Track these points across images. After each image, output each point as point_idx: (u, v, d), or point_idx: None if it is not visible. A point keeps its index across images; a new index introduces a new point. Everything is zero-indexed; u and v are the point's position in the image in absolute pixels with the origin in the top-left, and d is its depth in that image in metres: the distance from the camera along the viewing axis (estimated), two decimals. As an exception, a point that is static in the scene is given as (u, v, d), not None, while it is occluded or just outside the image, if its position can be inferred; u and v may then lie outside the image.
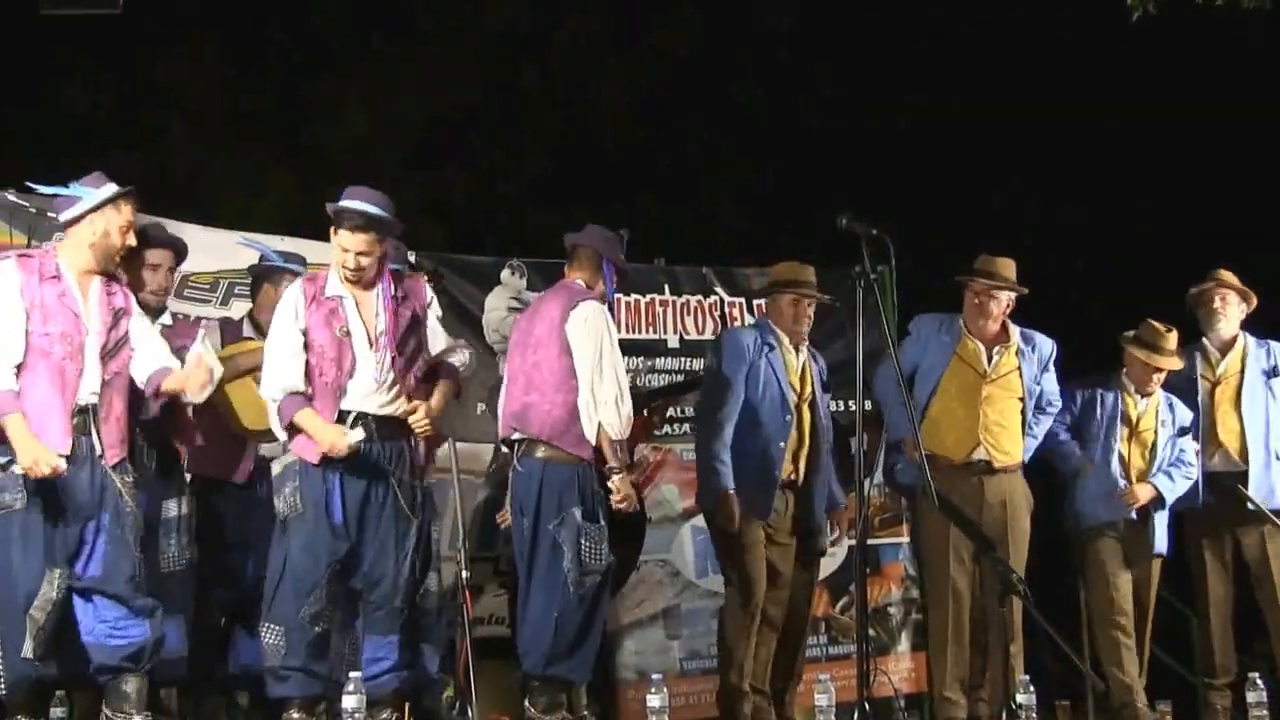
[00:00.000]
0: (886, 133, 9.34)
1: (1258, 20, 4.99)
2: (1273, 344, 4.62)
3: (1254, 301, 4.59)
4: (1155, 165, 8.56)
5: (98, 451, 3.31)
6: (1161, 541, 4.44)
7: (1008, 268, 4.27)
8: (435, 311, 3.63)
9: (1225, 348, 4.57)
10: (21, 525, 3.24)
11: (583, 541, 3.58)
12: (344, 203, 3.45)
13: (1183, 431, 4.50)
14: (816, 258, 4.45)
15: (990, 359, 4.20)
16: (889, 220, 3.60)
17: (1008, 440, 4.17)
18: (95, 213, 3.39)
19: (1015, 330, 4.27)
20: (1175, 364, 4.46)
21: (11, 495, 3.25)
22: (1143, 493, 4.38)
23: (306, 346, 3.45)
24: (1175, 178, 8.59)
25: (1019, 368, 4.22)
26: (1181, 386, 4.52)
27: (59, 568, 3.24)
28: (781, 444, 4.04)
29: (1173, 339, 4.43)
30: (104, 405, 3.35)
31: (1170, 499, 4.42)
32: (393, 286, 3.53)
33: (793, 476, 4.10)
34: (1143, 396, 4.46)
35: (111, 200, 3.38)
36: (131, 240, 3.44)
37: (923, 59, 9.06)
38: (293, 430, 3.43)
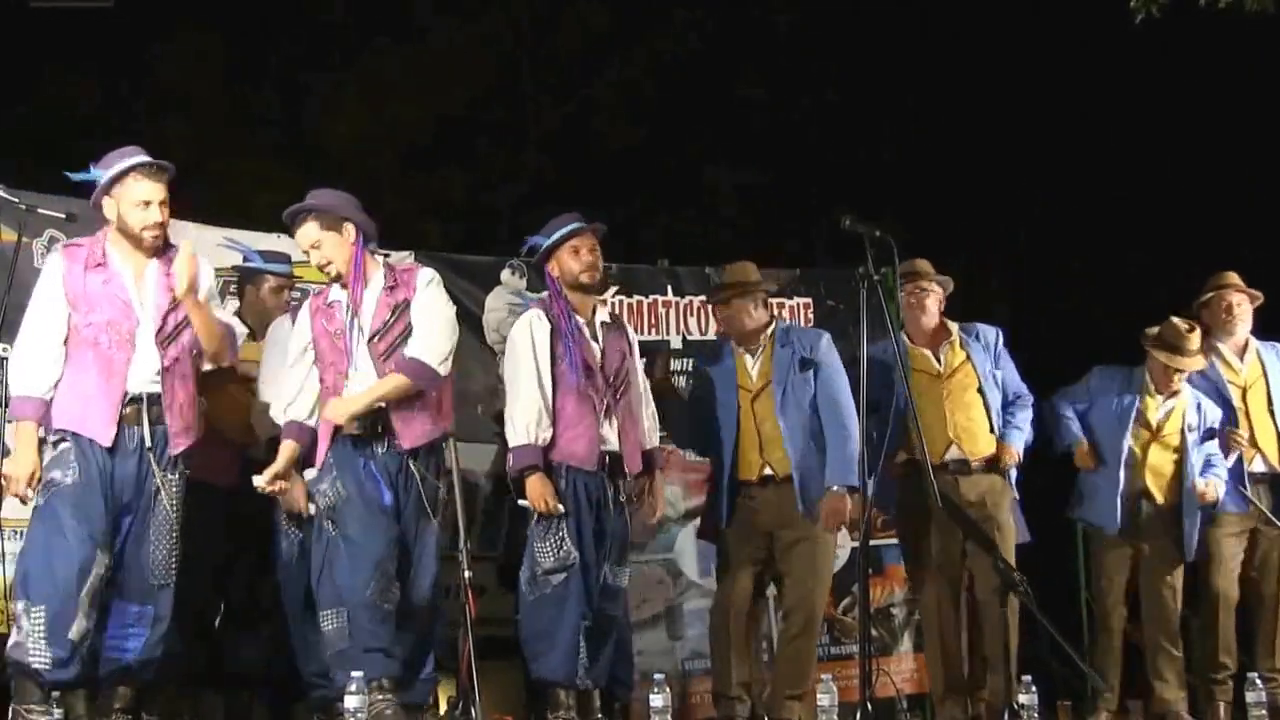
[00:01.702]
0: (889, 133, 9.36)
1: (1260, 23, 4.99)
2: (1278, 345, 4.60)
3: (1260, 300, 4.59)
4: (1157, 166, 8.58)
5: (147, 444, 3.25)
6: (1190, 548, 4.36)
7: (927, 266, 4.31)
8: (422, 299, 3.53)
9: (1241, 351, 4.55)
10: (75, 503, 3.15)
11: (536, 544, 3.59)
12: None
13: (1210, 435, 4.42)
14: (819, 259, 4.45)
15: (939, 359, 4.23)
16: (892, 221, 3.61)
17: (977, 435, 4.16)
18: (107, 196, 3.30)
19: (954, 326, 4.29)
20: (1197, 364, 4.39)
21: (63, 473, 3.18)
22: (1214, 490, 4.31)
23: (315, 354, 3.48)
24: (1177, 179, 8.61)
25: (968, 358, 4.22)
26: (1207, 390, 4.48)
27: (104, 553, 3.18)
28: (728, 448, 4.02)
29: (1195, 338, 4.36)
30: (167, 393, 3.29)
31: (1222, 498, 4.37)
32: (386, 277, 3.51)
33: (768, 472, 4.01)
34: (1166, 398, 4.38)
35: (117, 178, 3.28)
36: (155, 215, 3.29)
37: (925, 60, 9.07)
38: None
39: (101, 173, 3.31)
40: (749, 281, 4.17)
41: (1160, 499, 4.34)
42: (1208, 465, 4.40)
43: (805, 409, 4.03)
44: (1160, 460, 4.36)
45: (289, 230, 3.58)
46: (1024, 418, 4.26)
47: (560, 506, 3.57)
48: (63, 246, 3.38)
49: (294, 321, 3.62)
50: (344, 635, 3.30)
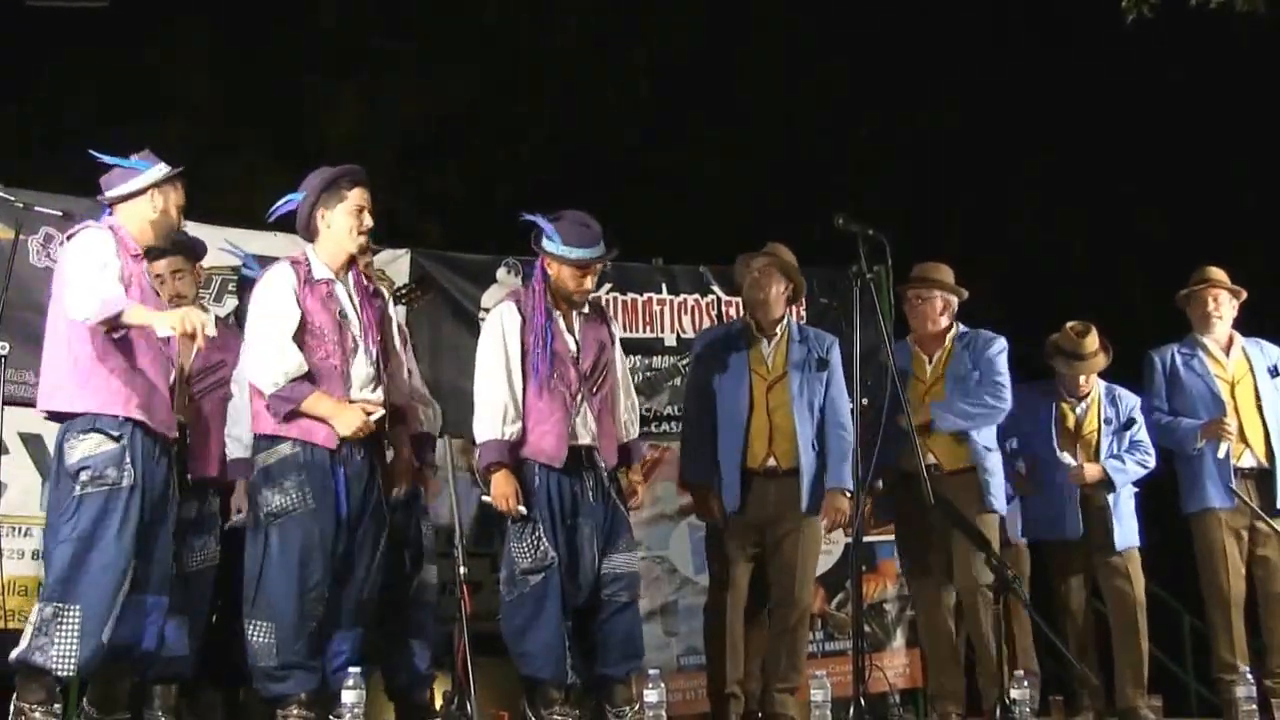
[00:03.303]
0: (885, 132, 9.38)
1: (1252, 23, 5.02)
2: (1263, 342, 4.64)
3: (1243, 297, 4.61)
4: (1151, 166, 8.61)
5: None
6: (1128, 536, 4.43)
7: (939, 271, 4.30)
8: (400, 323, 3.62)
9: (1227, 346, 4.58)
10: (126, 505, 3.11)
11: (512, 544, 3.57)
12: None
13: (1130, 423, 4.50)
14: (813, 257, 4.46)
15: (929, 368, 4.25)
16: (886, 220, 3.63)
17: (950, 445, 4.15)
18: (156, 188, 3.29)
19: (951, 334, 4.26)
20: (1098, 364, 4.50)
21: (117, 472, 3.12)
22: (1090, 471, 4.38)
23: (304, 328, 3.33)
24: (1172, 178, 8.64)
25: (946, 372, 4.20)
26: (1194, 384, 4.53)
27: (134, 551, 3.15)
28: (739, 433, 4.00)
29: (1090, 340, 4.48)
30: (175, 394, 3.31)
31: (1120, 482, 4.42)
32: (364, 279, 3.51)
33: (772, 463, 4.02)
34: (1079, 401, 4.50)
35: (173, 178, 3.31)
36: (177, 222, 3.37)
37: (920, 60, 9.10)
38: (293, 417, 3.26)
39: (146, 164, 3.30)
40: (789, 263, 4.18)
41: (1093, 498, 4.41)
42: (1132, 448, 4.47)
43: (814, 407, 4.07)
44: (1085, 460, 4.43)
45: (336, 189, 3.41)
46: (980, 408, 4.11)
47: (523, 509, 3.51)
48: (103, 227, 3.24)
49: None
50: (270, 653, 3.26)
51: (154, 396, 3.19)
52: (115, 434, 3.12)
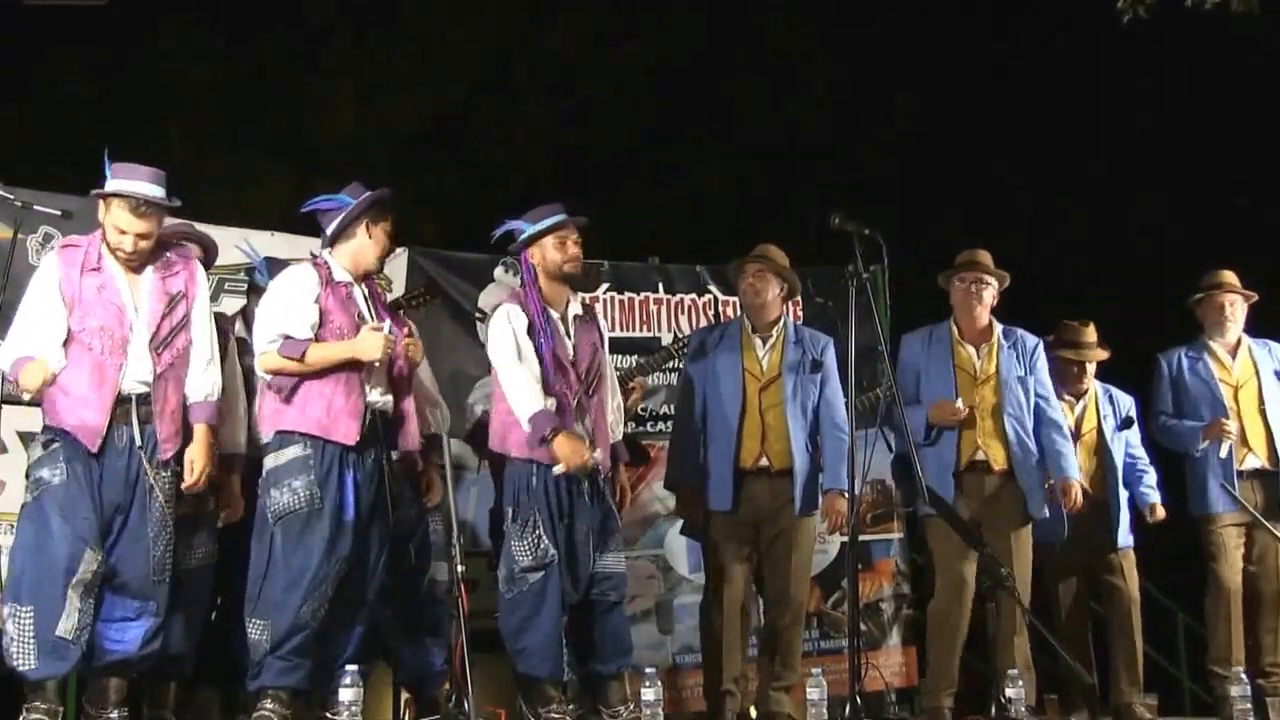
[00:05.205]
0: (880, 132, 9.40)
1: (1248, 22, 5.03)
2: (1271, 344, 4.64)
3: (1254, 299, 4.62)
4: (1147, 165, 8.62)
5: (137, 443, 3.29)
6: (1124, 535, 4.46)
7: (989, 258, 4.27)
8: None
9: (1233, 350, 4.58)
10: (62, 502, 3.22)
11: (513, 542, 3.59)
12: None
13: (1127, 423, 4.52)
14: (810, 257, 4.47)
15: (978, 360, 4.21)
16: (882, 220, 3.64)
17: (999, 440, 4.13)
18: (101, 201, 3.35)
19: (998, 327, 4.26)
20: (1099, 354, 4.52)
21: (50, 472, 3.24)
22: (1159, 512, 4.50)
23: (323, 327, 3.44)
24: (1167, 177, 8.65)
25: (998, 365, 4.18)
26: (1198, 388, 4.54)
27: (94, 550, 3.23)
28: (731, 433, 4.01)
29: (1091, 332, 4.52)
30: (158, 398, 3.31)
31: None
32: (377, 290, 3.64)
33: (765, 463, 4.03)
34: (1077, 399, 4.49)
35: (104, 196, 3.33)
36: (126, 244, 3.32)
37: (916, 59, 9.11)
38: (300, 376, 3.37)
39: (109, 175, 3.35)
40: (782, 265, 4.18)
41: (1094, 494, 4.41)
42: (1139, 473, 4.52)
43: (807, 408, 4.07)
44: (1085, 458, 4.44)
45: (377, 209, 3.54)
46: (1054, 439, 4.16)
47: (598, 455, 3.58)
48: (60, 247, 3.39)
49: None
50: (262, 649, 3.32)
51: (79, 411, 3.26)
52: (44, 440, 3.30)
